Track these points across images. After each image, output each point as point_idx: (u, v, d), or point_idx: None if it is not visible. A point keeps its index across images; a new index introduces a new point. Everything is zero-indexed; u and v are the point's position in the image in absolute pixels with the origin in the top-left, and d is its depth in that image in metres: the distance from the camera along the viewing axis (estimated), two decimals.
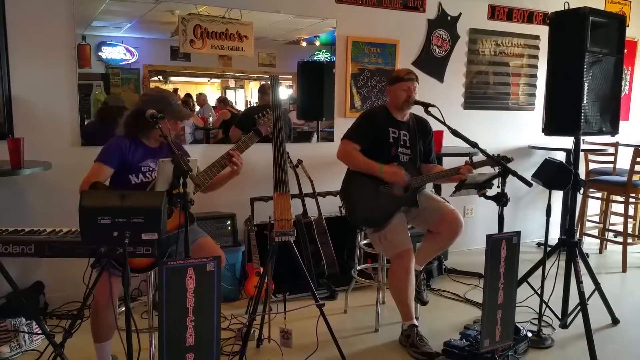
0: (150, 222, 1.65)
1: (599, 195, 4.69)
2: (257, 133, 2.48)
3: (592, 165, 4.80)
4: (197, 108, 3.64)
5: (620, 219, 4.39)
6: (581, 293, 2.70)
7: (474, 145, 2.53)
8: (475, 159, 2.71)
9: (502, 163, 2.40)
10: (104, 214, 1.63)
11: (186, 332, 1.73)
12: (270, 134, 2.50)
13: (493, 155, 2.50)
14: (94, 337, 2.22)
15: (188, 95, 3.58)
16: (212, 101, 3.69)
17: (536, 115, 4.76)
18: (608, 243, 4.68)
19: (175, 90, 3.52)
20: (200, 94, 3.64)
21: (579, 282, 2.72)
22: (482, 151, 2.52)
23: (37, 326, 2.59)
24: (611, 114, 2.92)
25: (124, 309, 1.78)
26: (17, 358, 2.58)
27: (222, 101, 3.72)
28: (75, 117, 3.18)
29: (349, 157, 2.79)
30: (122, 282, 1.71)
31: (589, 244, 4.78)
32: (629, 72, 5.31)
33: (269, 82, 3.70)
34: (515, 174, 2.35)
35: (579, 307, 2.70)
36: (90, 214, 1.64)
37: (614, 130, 2.95)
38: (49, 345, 2.10)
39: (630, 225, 4.48)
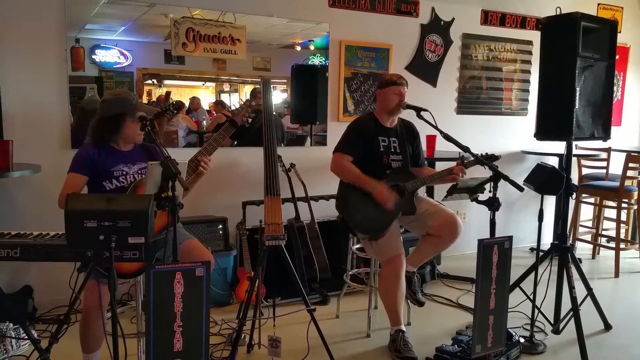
0: (137, 226, 1.63)
1: (591, 200, 4.70)
2: (232, 123, 2.45)
3: (585, 171, 4.81)
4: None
5: (613, 224, 4.39)
6: (573, 298, 2.70)
7: (465, 149, 2.54)
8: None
9: (492, 166, 2.40)
10: (89, 218, 1.61)
11: (174, 338, 1.71)
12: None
13: (480, 154, 2.53)
14: (83, 348, 2.18)
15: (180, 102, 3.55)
16: (206, 105, 3.67)
17: (529, 120, 4.76)
18: (601, 248, 4.69)
19: (168, 93, 3.51)
20: (194, 97, 3.62)
21: (572, 288, 2.72)
22: (474, 155, 2.54)
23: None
24: (603, 119, 2.93)
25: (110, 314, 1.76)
26: None
27: (219, 104, 3.70)
28: (65, 120, 3.16)
29: (342, 170, 2.77)
30: (108, 287, 1.69)
31: (582, 249, 4.79)
32: (621, 77, 5.34)
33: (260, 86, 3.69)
34: (507, 178, 2.35)
35: (572, 313, 2.70)
36: (76, 217, 1.62)
37: (605, 136, 2.95)
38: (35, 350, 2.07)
39: (622, 231, 4.49)
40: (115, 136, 2.27)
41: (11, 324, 2.65)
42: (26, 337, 2.58)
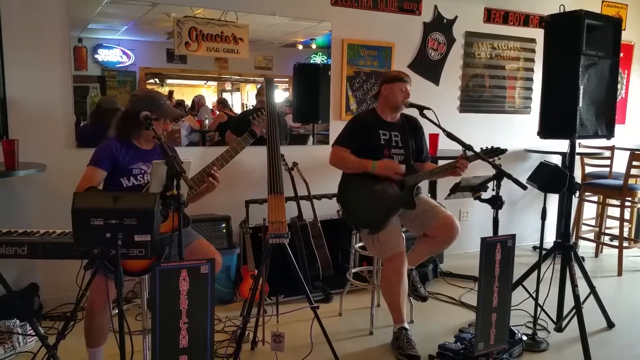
0: (143, 224, 1.65)
1: (594, 198, 4.70)
2: (251, 134, 2.48)
3: (588, 169, 4.80)
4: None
5: (616, 223, 4.39)
6: (576, 296, 2.70)
7: (469, 147, 2.55)
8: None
9: (495, 164, 2.40)
10: (96, 216, 1.62)
11: (179, 334, 1.72)
12: (265, 134, 2.50)
13: (486, 147, 2.56)
14: (87, 342, 2.19)
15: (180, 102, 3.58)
16: (210, 103, 3.68)
17: (532, 118, 4.76)
18: (604, 247, 4.69)
19: (171, 92, 3.52)
20: (200, 95, 3.63)
21: (574, 286, 2.72)
22: (477, 154, 2.55)
23: (31, 328, 2.58)
24: (607, 117, 2.92)
25: (117, 311, 1.78)
26: (11, 359, 2.56)
27: (221, 102, 3.71)
28: (70, 119, 3.17)
29: (341, 160, 2.80)
30: (115, 284, 1.70)
31: (585, 248, 4.78)
32: (625, 75, 5.33)
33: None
34: (510, 177, 2.35)
35: (574, 311, 2.70)
36: (82, 215, 1.64)
37: (609, 134, 2.95)
38: (43, 347, 2.09)
39: (626, 229, 4.49)
40: (139, 132, 2.29)
41: (18, 321, 2.68)
42: (33, 333, 2.60)
